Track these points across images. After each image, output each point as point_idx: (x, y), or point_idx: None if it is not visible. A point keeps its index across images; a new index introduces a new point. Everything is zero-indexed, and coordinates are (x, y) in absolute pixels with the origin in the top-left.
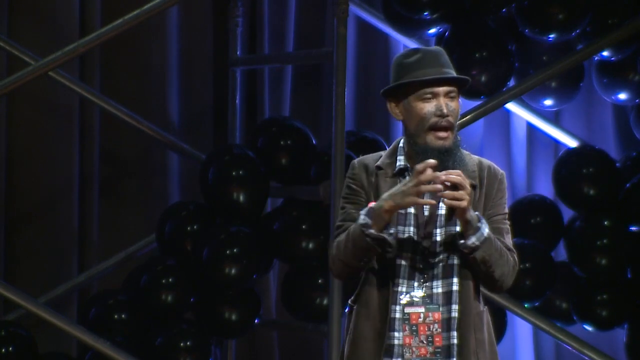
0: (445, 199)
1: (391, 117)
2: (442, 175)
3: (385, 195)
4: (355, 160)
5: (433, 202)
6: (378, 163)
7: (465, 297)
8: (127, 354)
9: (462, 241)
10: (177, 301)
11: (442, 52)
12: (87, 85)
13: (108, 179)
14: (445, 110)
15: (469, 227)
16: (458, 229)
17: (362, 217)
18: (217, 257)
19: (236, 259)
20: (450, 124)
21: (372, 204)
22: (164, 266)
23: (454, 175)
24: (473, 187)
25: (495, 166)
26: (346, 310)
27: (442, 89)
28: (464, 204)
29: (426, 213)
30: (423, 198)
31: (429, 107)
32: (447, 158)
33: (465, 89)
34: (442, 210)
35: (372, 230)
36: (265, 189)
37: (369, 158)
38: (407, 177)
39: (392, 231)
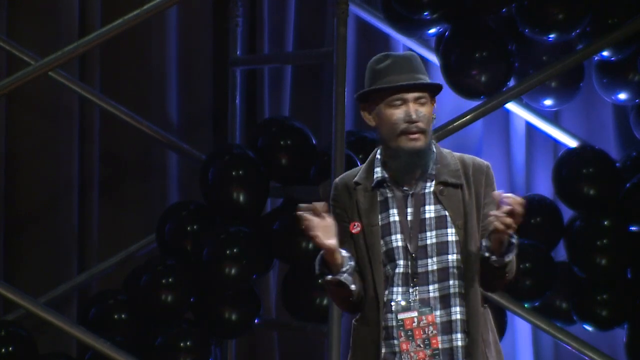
0: (497, 222)
1: None
2: (505, 197)
3: None
4: (337, 179)
5: (331, 245)
6: (356, 179)
7: (473, 299)
8: (127, 354)
9: (494, 257)
10: (177, 301)
11: (414, 57)
12: (87, 85)
13: (108, 179)
14: (414, 117)
15: (504, 245)
16: (450, 231)
17: (317, 268)
18: (217, 257)
19: (236, 259)
20: (421, 130)
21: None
22: (164, 266)
23: (519, 204)
24: (459, 186)
25: (479, 160)
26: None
27: (411, 95)
28: (508, 230)
29: (410, 218)
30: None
31: (398, 113)
32: (418, 159)
33: (438, 94)
34: (429, 213)
35: (328, 277)
36: (265, 189)
37: (349, 175)
38: (387, 190)
39: (345, 268)
